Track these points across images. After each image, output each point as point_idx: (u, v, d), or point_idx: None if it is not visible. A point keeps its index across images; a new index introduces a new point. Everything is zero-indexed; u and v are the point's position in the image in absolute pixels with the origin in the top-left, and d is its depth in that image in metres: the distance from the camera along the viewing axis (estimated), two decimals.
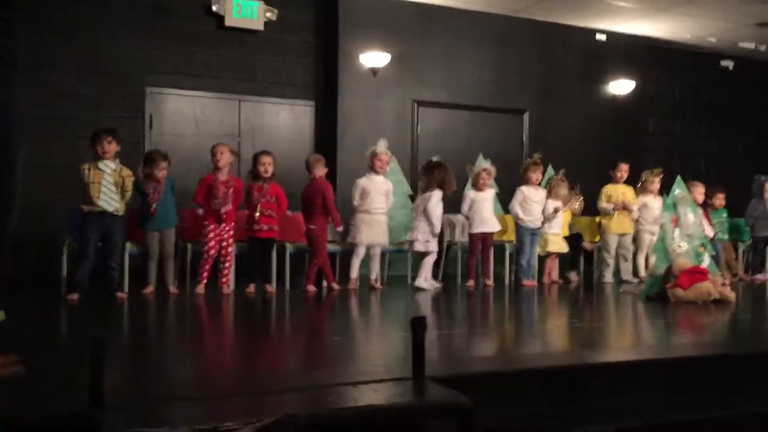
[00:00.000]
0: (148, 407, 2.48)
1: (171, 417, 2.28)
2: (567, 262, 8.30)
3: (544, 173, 8.01)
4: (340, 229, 6.86)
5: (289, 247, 7.04)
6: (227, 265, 6.48)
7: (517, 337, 4.60)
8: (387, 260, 7.75)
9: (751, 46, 10.60)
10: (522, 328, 5.06)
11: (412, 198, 7.91)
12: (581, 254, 8.34)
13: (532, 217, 7.58)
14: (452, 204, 7.73)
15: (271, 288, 6.63)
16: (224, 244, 6.43)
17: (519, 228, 7.65)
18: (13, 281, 6.55)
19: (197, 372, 3.45)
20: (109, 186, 5.88)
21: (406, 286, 7.24)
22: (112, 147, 5.95)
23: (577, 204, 8.15)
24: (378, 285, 6.99)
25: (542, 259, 7.89)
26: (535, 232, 7.63)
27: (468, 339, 4.43)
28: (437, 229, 7.04)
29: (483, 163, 7.63)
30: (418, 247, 7.08)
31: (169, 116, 8.18)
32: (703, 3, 8.85)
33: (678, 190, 6.86)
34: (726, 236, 8.96)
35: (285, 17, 8.55)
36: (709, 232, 8.37)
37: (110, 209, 5.87)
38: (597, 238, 8.37)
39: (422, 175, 7.28)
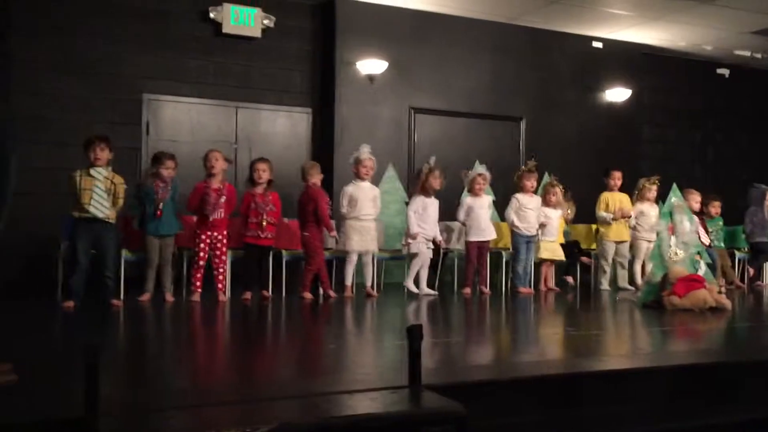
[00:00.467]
0: (143, 415, 2.47)
1: (166, 425, 2.27)
2: (563, 268, 8.31)
3: (540, 180, 8.02)
4: (333, 234, 6.84)
5: (285, 255, 7.04)
6: (221, 271, 6.47)
7: (512, 345, 4.60)
8: (383, 267, 7.74)
9: (747, 54, 10.65)
10: (518, 336, 5.06)
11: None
12: (578, 261, 8.35)
13: (527, 224, 7.59)
14: (448, 211, 7.73)
15: (268, 295, 6.62)
16: (217, 252, 6.43)
17: (514, 235, 7.66)
18: (7, 287, 6.55)
19: (193, 380, 3.44)
20: (100, 193, 5.87)
21: (403, 293, 7.23)
22: (104, 154, 5.94)
23: (569, 211, 8.16)
24: (374, 292, 6.98)
25: (538, 267, 7.89)
26: (530, 240, 7.63)
27: (464, 347, 4.43)
28: (413, 230, 7.06)
29: (478, 169, 7.63)
30: (404, 249, 7.20)
31: (166, 123, 8.18)
32: (698, 11, 8.89)
33: (674, 197, 6.87)
34: (722, 244, 8.98)
35: (282, 25, 8.56)
36: (705, 239, 8.38)
37: (101, 216, 5.86)
38: (593, 245, 8.38)
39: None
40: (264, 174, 6.62)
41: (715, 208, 8.98)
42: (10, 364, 2.79)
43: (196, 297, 6.29)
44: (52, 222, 6.75)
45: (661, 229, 6.80)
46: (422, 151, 8.98)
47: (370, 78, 8.71)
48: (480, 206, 7.48)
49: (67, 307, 5.74)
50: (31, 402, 2.64)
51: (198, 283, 6.35)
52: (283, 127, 8.71)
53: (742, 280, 8.99)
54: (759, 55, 10.71)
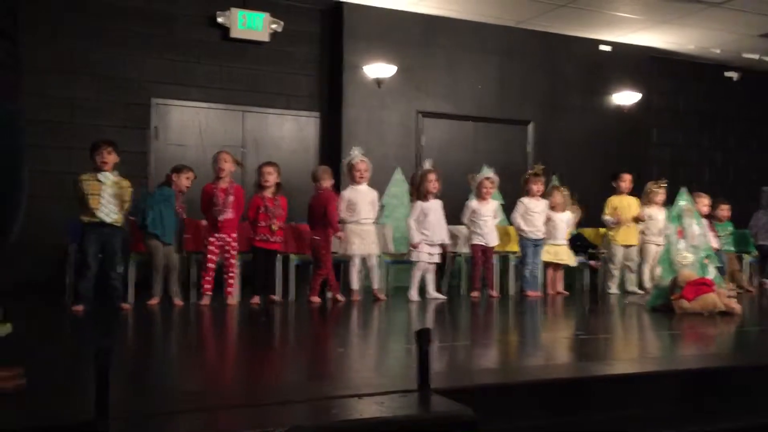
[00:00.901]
0: (153, 419, 2.48)
1: (176, 429, 2.28)
2: (570, 273, 8.28)
3: (547, 184, 8.01)
4: (339, 235, 6.82)
5: (294, 259, 7.04)
6: (231, 275, 6.48)
7: (521, 349, 4.59)
8: (391, 272, 7.74)
9: (756, 56, 10.61)
10: (526, 340, 5.05)
11: None
12: (585, 253, 8.31)
13: (534, 228, 7.58)
14: (456, 215, 7.73)
15: (276, 299, 6.63)
16: (227, 255, 6.44)
17: (521, 239, 7.65)
18: (16, 291, 6.57)
19: (202, 384, 3.44)
20: (108, 197, 5.90)
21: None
22: (111, 158, 5.97)
23: (573, 214, 8.14)
24: (382, 296, 6.98)
25: (546, 270, 7.87)
26: (537, 243, 7.62)
27: (472, 351, 4.42)
28: (414, 240, 7.02)
29: (485, 172, 7.62)
30: (408, 257, 7.14)
31: (174, 127, 8.21)
32: (707, 14, 8.87)
33: (683, 201, 6.84)
34: (732, 248, 8.94)
35: (290, 29, 8.59)
36: (714, 243, 8.35)
37: (109, 220, 5.90)
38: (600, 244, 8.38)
39: None
40: (271, 177, 6.63)
41: (724, 211, 8.95)
42: (19, 369, 2.80)
43: (205, 301, 6.31)
44: (60, 226, 6.78)
45: (670, 233, 6.77)
46: (430, 155, 8.95)
47: (378, 82, 8.72)
48: (486, 211, 7.45)
49: (76, 311, 5.76)
50: (40, 406, 2.65)
51: (208, 287, 6.36)
52: (291, 131, 8.73)
53: (750, 283, 8.94)
54: (767, 58, 10.67)
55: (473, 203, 7.51)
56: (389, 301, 6.97)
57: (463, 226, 7.81)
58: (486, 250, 7.45)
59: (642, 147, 10.26)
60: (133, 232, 6.55)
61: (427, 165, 7.36)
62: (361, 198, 6.96)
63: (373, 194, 7.10)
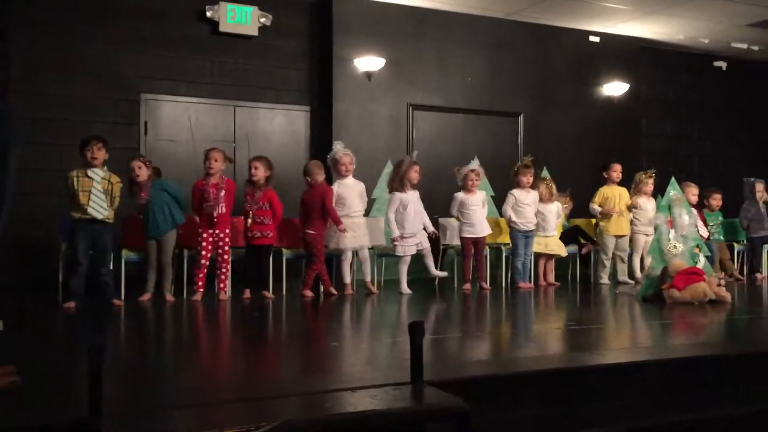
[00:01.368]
0: (146, 415, 2.48)
1: (170, 425, 2.28)
2: (562, 264, 8.32)
3: (537, 175, 8.03)
4: (341, 227, 6.80)
5: (286, 253, 7.04)
6: (224, 271, 6.47)
7: (513, 341, 4.62)
8: (383, 264, 7.75)
9: (744, 46, 10.65)
10: (518, 331, 5.07)
11: None
12: (581, 246, 8.38)
13: (524, 220, 7.60)
14: (447, 207, 7.74)
15: (268, 294, 6.63)
16: (220, 251, 6.43)
17: (512, 231, 7.67)
18: (9, 289, 6.55)
19: (195, 379, 3.45)
20: (98, 194, 5.89)
21: None
22: (101, 154, 5.96)
23: (566, 206, 8.16)
24: (374, 289, 7.00)
25: (537, 262, 7.90)
26: (528, 235, 7.65)
27: (465, 343, 4.44)
28: (394, 233, 7.01)
29: (471, 165, 7.62)
30: (394, 251, 7.14)
31: (164, 122, 8.18)
32: (695, 4, 8.89)
33: (672, 191, 6.88)
34: (722, 237, 8.99)
35: (279, 23, 8.56)
36: (704, 232, 8.40)
37: (100, 217, 5.89)
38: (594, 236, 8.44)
39: None
40: (257, 172, 6.61)
41: (716, 200, 9.00)
42: (12, 366, 2.80)
43: (198, 296, 6.30)
44: (51, 223, 6.76)
45: (660, 223, 6.81)
46: (420, 148, 8.97)
47: (368, 75, 8.71)
48: (473, 203, 7.46)
49: (68, 308, 5.75)
50: (33, 404, 2.65)
51: (200, 283, 6.36)
52: (282, 125, 8.71)
53: (741, 272, 9.00)
54: (756, 48, 10.71)
55: (460, 195, 7.52)
56: (381, 293, 6.98)
57: (453, 219, 7.82)
58: (477, 242, 7.47)
59: (632, 137, 10.29)
60: (125, 228, 6.53)
61: (413, 156, 7.37)
62: (350, 191, 6.97)
63: (360, 186, 7.11)
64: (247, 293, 6.51)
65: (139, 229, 6.42)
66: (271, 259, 6.79)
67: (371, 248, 7.17)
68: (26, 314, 5.77)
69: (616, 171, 8.21)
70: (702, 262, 6.71)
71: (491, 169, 8.20)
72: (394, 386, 2.77)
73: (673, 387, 3.46)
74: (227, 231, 6.46)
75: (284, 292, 6.90)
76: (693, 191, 8.44)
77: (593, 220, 8.48)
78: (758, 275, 8.84)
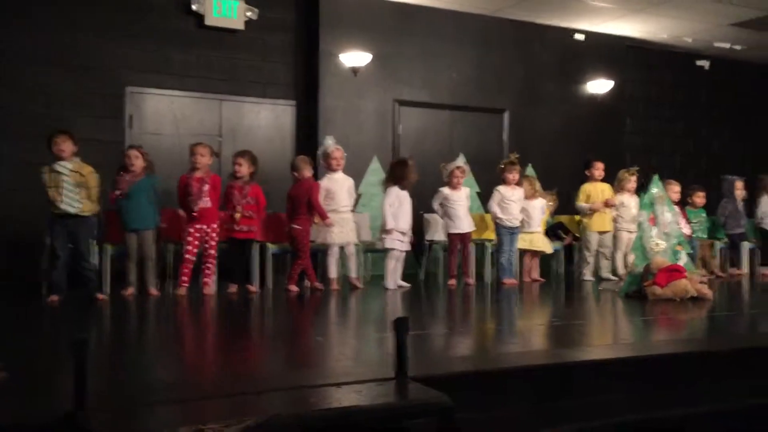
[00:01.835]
0: (131, 410, 2.48)
1: (154, 420, 2.28)
2: (546, 261, 8.37)
3: (522, 172, 8.07)
4: (328, 221, 6.80)
5: (271, 248, 7.04)
6: (209, 265, 6.45)
7: (497, 337, 4.65)
8: (369, 260, 7.76)
9: (726, 46, 10.75)
10: (502, 327, 5.11)
11: None
12: (563, 240, 8.44)
13: (510, 216, 7.64)
14: (430, 204, 7.76)
15: (253, 288, 6.62)
16: (206, 245, 6.41)
17: (497, 227, 7.71)
18: None
19: (180, 374, 3.45)
20: (69, 187, 5.81)
21: None
22: (67, 146, 5.86)
23: (551, 203, 8.21)
24: (359, 284, 7.01)
25: (522, 258, 7.95)
26: (513, 231, 7.69)
27: (449, 338, 4.47)
28: (388, 225, 7.01)
29: (457, 162, 7.64)
30: (379, 244, 7.13)
31: (149, 116, 8.13)
32: (679, 3, 8.96)
33: (655, 188, 6.94)
34: (704, 235, 9.08)
35: (265, 17, 8.53)
36: (686, 230, 8.48)
37: (73, 211, 5.81)
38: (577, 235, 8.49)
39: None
40: (241, 168, 6.59)
41: (699, 197, 9.08)
42: (0, 363, 2.79)
43: (182, 291, 6.27)
44: (37, 217, 6.70)
45: (642, 220, 6.86)
46: (406, 144, 9.01)
47: (354, 70, 8.70)
48: (457, 198, 7.48)
49: (51, 301, 5.72)
50: (19, 399, 2.64)
51: (185, 278, 6.32)
52: (267, 119, 8.69)
53: (723, 269, 9.09)
54: (738, 47, 10.81)
55: (445, 190, 7.54)
56: (366, 289, 6.99)
57: (436, 214, 7.83)
58: (464, 237, 7.50)
59: (615, 135, 10.36)
60: (108, 221, 6.49)
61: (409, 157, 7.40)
62: (338, 186, 6.97)
63: (349, 182, 7.11)
64: (234, 288, 6.50)
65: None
66: (257, 253, 6.79)
67: (357, 244, 7.17)
68: (10, 309, 5.73)
69: (599, 169, 8.26)
70: (684, 260, 6.78)
71: (476, 166, 8.23)
72: (379, 382, 2.78)
73: (655, 383, 3.49)
74: (214, 226, 6.44)
75: (270, 287, 6.90)
76: (675, 189, 8.51)
77: (576, 217, 8.53)
78: (734, 270, 8.94)
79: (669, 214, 6.83)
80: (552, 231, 8.40)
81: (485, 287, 7.40)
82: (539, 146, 9.46)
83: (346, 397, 2.62)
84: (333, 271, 6.93)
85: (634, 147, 10.78)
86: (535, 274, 8.02)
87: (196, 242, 6.37)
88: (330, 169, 7.01)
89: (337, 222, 6.87)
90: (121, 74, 7.94)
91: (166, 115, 8.20)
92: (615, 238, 8.28)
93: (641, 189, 7.60)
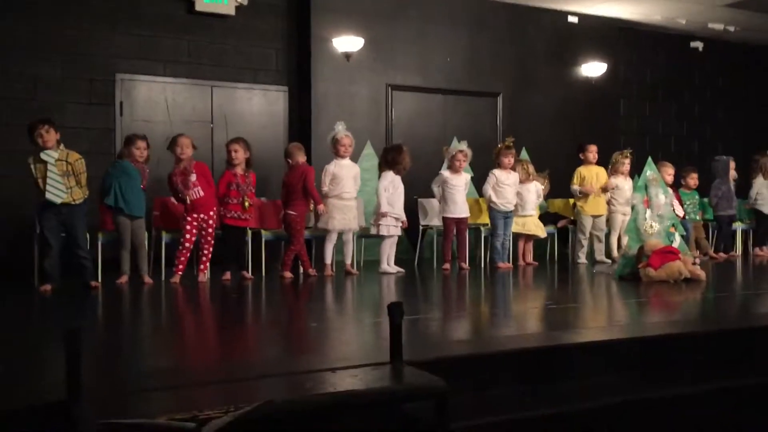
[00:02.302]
0: (125, 398, 2.48)
1: (149, 407, 2.28)
2: (541, 244, 8.38)
3: (517, 156, 8.06)
4: (321, 207, 6.80)
5: (266, 234, 7.02)
6: (206, 252, 6.43)
7: (492, 320, 4.65)
8: (363, 245, 7.76)
9: (720, 27, 10.72)
10: (497, 311, 5.12)
11: None
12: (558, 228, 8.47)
13: (504, 200, 7.64)
14: (427, 188, 7.75)
15: (248, 275, 6.61)
16: (204, 233, 6.39)
17: (492, 211, 7.71)
18: None
19: (174, 361, 3.44)
20: (55, 177, 5.74)
21: None
22: (50, 136, 5.77)
23: (543, 186, 8.21)
24: (354, 270, 7.01)
25: (516, 242, 7.96)
26: (508, 215, 7.69)
27: (444, 323, 4.47)
28: (383, 208, 7.01)
29: (460, 145, 7.63)
30: (372, 230, 7.13)
31: (140, 103, 8.08)
32: None
33: (649, 171, 6.94)
34: (698, 217, 9.09)
35: (256, 2, 8.47)
36: (680, 212, 8.50)
37: (58, 201, 5.75)
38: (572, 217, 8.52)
39: (379, 158, 7.35)
40: (238, 154, 6.57)
41: (693, 179, 9.09)
42: None
43: (176, 279, 6.26)
44: (26, 205, 6.67)
45: (636, 203, 6.88)
46: (400, 129, 8.98)
47: (347, 55, 8.66)
48: (457, 183, 7.48)
49: (43, 290, 5.70)
50: (12, 388, 2.63)
51: (181, 266, 6.32)
52: (260, 105, 8.64)
53: (716, 251, 9.12)
54: (732, 29, 10.79)
55: (446, 173, 7.53)
56: (361, 274, 6.99)
57: (433, 200, 7.83)
58: (460, 222, 7.50)
59: (609, 118, 10.35)
60: (101, 209, 6.46)
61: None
62: (345, 172, 6.95)
63: (356, 169, 7.10)
64: (227, 275, 6.49)
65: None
66: (249, 239, 6.78)
67: (356, 231, 7.16)
68: (2, 298, 5.71)
69: (592, 152, 8.27)
70: (677, 242, 6.80)
71: (470, 150, 8.20)
72: (374, 366, 2.78)
73: (649, 364, 3.51)
74: (211, 213, 6.41)
75: (263, 274, 6.89)
76: (669, 171, 8.52)
77: (571, 201, 8.54)
78: (723, 254, 8.94)
79: (663, 196, 6.84)
80: (547, 218, 8.42)
81: (479, 271, 7.41)
82: (533, 130, 9.44)
83: (342, 382, 2.62)
84: (329, 257, 6.92)
85: (628, 129, 10.79)
86: (529, 257, 8.03)
87: (194, 231, 6.35)
88: (338, 155, 6.98)
89: (339, 208, 6.87)
90: (110, 61, 7.88)
91: (157, 102, 8.15)
92: (609, 220, 8.30)
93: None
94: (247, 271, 6.66)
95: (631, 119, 11.02)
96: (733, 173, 9.24)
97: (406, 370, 2.70)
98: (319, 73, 8.61)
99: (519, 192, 7.79)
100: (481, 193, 8.02)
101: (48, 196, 5.71)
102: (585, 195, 8.14)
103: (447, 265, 7.40)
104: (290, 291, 6.12)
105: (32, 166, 5.76)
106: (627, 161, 8.30)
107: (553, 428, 2.97)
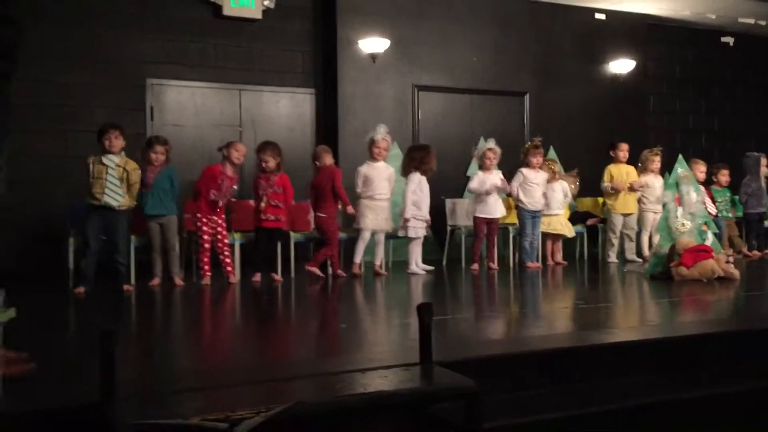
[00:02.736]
0: (159, 399, 2.51)
1: (182, 408, 2.30)
2: (570, 243, 8.31)
3: (544, 155, 8.01)
4: (350, 209, 6.84)
5: (295, 236, 7.06)
6: (226, 254, 6.49)
7: (522, 320, 4.63)
8: (391, 246, 7.76)
9: (751, 21, 10.54)
10: (527, 311, 5.08)
11: None
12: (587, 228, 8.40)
13: (532, 200, 7.59)
14: (454, 188, 7.73)
15: (277, 277, 6.65)
16: (218, 236, 6.45)
17: (520, 210, 7.66)
18: (19, 275, 6.59)
19: (206, 362, 3.48)
20: (113, 181, 5.92)
21: None
22: (118, 142, 6.00)
23: (573, 186, 8.15)
24: (383, 271, 7.01)
25: (544, 241, 7.90)
26: (536, 215, 7.64)
27: (474, 323, 4.46)
28: (407, 213, 7.01)
29: (488, 143, 7.58)
30: (401, 231, 7.12)
31: (170, 107, 8.18)
32: None
33: (680, 168, 6.85)
34: (730, 214, 8.95)
35: (283, 5, 8.52)
36: (712, 209, 8.38)
37: (115, 204, 5.91)
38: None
39: (402, 160, 7.33)
40: (268, 164, 6.60)
41: (724, 176, 8.95)
42: (27, 353, 2.82)
43: (206, 281, 6.33)
44: (60, 209, 6.80)
45: (667, 201, 6.79)
46: (426, 129, 8.97)
47: (373, 57, 8.67)
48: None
49: (78, 293, 5.78)
50: (46, 388, 2.68)
51: (206, 267, 6.38)
52: (287, 108, 8.70)
53: (749, 249, 8.97)
54: (763, 23, 10.60)
55: (480, 174, 7.46)
56: (390, 275, 7.00)
57: (462, 200, 7.81)
58: (491, 222, 7.46)
59: (639, 115, 10.23)
60: (133, 213, 6.54)
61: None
62: (377, 174, 6.95)
63: (389, 171, 7.09)
64: (257, 276, 6.53)
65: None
66: (281, 242, 6.82)
67: (389, 232, 7.16)
68: (36, 301, 5.81)
69: (623, 150, 8.19)
70: (710, 240, 6.70)
71: (498, 148, 8.17)
72: (404, 367, 2.78)
73: (682, 364, 3.46)
74: (222, 216, 6.51)
75: (292, 275, 6.93)
76: (701, 168, 8.41)
77: (600, 199, 8.46)
78: (757, 252, 8.78)
79: (694, 194, 6.74)
80: (577, 217, 8.35)
81: (508, 272, 7.37)
82: (561, 128, 9.37)
83: (372, 383, 2.62)
84: (359, 256, 6.93)
85: (658, 127, 10.65)
86: (558, 257, 7.97)
87: (209, 231, 6.42)
88: (371, 157, 6.99)
89: (372, 209, 6.89)
90: (141, 66, 7.99)
91: (186, 106, 8.25)
92: (640, 218, 8.21)
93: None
94: (277, 273, 6.70)
95: (661, 116, 10.88)
96: (764, 170, 9.08)
97: (436, 371, 2.69)
98: (346, 74, 8.63)
99: (545, 191, 7.73)
100: (507, 193, 7.97)
101: (105, 198, 5.88)
102: (616, 192, 8.05)
103: (476, 266, 7.38)
104: (320, 292, 6.15)
105: (91, 166, 5.92)
106: (657, 159, 8.20)
107: (583, 429, 2.95)
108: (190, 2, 8.21)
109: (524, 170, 7.65)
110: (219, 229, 6.46)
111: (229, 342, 4.15)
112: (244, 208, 6.81)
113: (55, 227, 6.95)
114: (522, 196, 7.59)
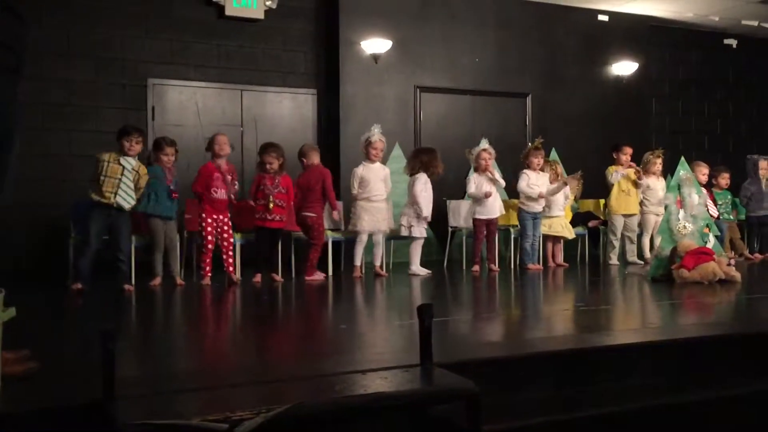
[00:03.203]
0: (160, 398, 2.50)
1: (182, 408, 2.30)
2: (571, 245, 8.30)
3: (546, 157, 8.00)
4: (336, 214, 6.86)
5: (295, 236, 7.05)
6: (230, 254, 6.48)
7: (522, 322, 4.62)
8: (391, 247, 7.76)
9: (755, 23, 10.53)
10: (528, 313, 5.08)
11: None
12: (589, 229, 8.39)
13: (533, 201, 7.59)
14: (456, 189, 7.73)
15: (277, 277, 6.65)
16: (224, 235, 6.44)
17: (520, 212, 7.66)
18: (19, 272, 6.60)
19: (207, 362, 3.48)
20: (128, 183, 5.97)
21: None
22: (138, 147, 6.08)
23: (576, 187, 8.14)
24: (383, 272, 7.01)
25: (545, 243, 7.89)
26: (536, 216, 7.64)
27: (474, 325, 4.45)
28: (424, 213, 7.00)
29: (482, 144, 7.57)
30: (404, 231, 7.10)
31: (171, 107, 8.18)
32: None
33: (682, 170, 6.85)
34: (731, 216, 8.95)
35: (285, 5, 8.53)
36: (714, 212, 8.37)
37: (127, 206, 5.97)
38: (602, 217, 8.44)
39: (408, 159, 7.32)
40: (273, 165, 6.60)
41: (725, 179, 8.95)
42: (27, 352, 2.82)
43: (207, 281, 6.32)
44: (61, 207, 6.80)
45: (669, 203, 6.79)
46: (428, 130, 8.97)
47: (375, 57, 8.67)
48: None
49: (75, 289, 5.77)
50: (46, 387, 2.68)
51: (207, 268, 6.37)
52: (289, 108, 8.70)
53: (751, 251, 8.96)
54: (767, 25, 10.59)
55: (475, 176, 7.48)
56: (390, 276, 7.00)
57: (462, 201, 7.81)
58: (490, 224, 7.46)
59: (641, 117, 10.22)
60: (134, 213, 6.54)
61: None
62: (374, 175, 6.95)
63: (385, 172, 7.09)
64: (258, 277, 6.53)
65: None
66: (281, 242, 6.82)
67: (386, 232, 7.16)
68: (37, 299, 5.81)
69: (627, 154, 8.17)
70: (712, 242, 6.69)
71: (499, 151, 8.16)
72: (404, 368, 2.78)
73: (683, 367, 3.46)
74: (228, 214, 6.48)
75: (293, 275, 6.93)
76: (703, 171, 8.40)
77: (602, 201, 8.45)
78: (759, 255, 8.77)
79: (696, 197, 6.74)
80: (579, 219, 8.33)
81: (509, 273, 7.37)
82: (563, 130, 9.37)
83: (372, 384, 2.62)
84: (359, 258, 6.93)
85: (660, 128, 10.65)
86: (559, 259, 7.96)
87: (213, 231, 6.41)
88: (367, 158, 6.99)
89: (368, 210, 6.89)
90: (142, 66, 7.99)
91: (188, 106, 8.25)
92: (642, 221, 8.20)
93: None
94: (277, 273, 6.69)
95: (663, 118, 10.87)
96: (763, 172, 9.07)
97: (437, 372, 2.69)
98: (348, 75, 8.63)
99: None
100: (509, 195, 7.96)
101: (117, 199, 5.90)
102: (625, 184, 7.98)
103: (476, 267, 7.37)
104: (320, 293, 6.14)
105: (105, 164, 5.92)
106: (659, 161, 8.19)
107: (584, 431, 2.94)
108: (193, 2, 8.22)
109: (528, 171, 7.65)
110: (225, 227, 6.44)
111: (230, 342, 4.15)
112: (245, 208, 6.80)
113: (56, 225, 6.95)
114: (525, 198, 7.59)
